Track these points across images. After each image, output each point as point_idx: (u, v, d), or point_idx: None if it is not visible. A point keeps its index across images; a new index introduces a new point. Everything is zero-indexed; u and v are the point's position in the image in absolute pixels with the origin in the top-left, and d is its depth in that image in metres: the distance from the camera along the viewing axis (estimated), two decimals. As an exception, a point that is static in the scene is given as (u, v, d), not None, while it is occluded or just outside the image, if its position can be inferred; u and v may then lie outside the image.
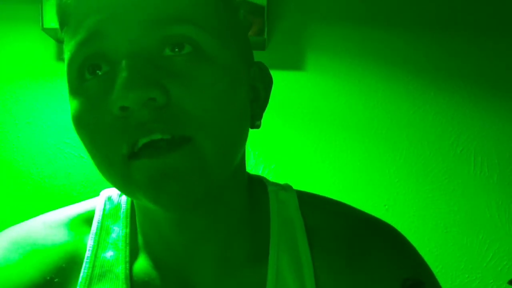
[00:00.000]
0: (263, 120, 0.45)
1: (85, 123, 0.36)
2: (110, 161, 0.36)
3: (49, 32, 1.17)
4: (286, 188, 0.48)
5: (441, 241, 1.26)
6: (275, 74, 1.28)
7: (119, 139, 0.35)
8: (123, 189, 0.38)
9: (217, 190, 0.40)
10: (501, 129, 1.26)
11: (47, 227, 0.46)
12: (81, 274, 0.43)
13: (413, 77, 1.26)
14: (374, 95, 1.26)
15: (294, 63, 1.25)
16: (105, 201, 0.47)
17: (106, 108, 0.35)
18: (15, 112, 1.22)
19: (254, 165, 1.24)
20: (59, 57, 1.23)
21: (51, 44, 1.22)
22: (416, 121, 1.26)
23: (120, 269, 0.43)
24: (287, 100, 1.24)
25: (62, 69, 1.23)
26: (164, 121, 0.34)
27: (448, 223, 1.26)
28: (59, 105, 1.22)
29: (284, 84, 1.24)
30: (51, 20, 1.13)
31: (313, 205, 0.47)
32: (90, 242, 0.44)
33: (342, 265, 0.44)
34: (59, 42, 1.22)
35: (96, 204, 0.47)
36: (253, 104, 0.43)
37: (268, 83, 0.45)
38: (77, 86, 0.37)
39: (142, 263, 0.44)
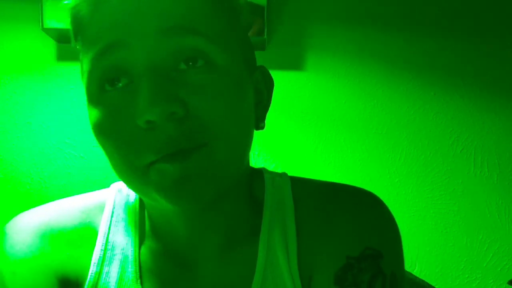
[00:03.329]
0: (263, 120, 0.49)
1: (108, 133, 0.40)
2: (135, 168, 0.40)
3: (49, 32, 1.17)
4: (282, 174, 0.53)
5: (441, 241, 1.26)
6: (275, 74, 1.28)
7: (146, 149, 0.38)
8: (141, 191, 0.42)
9: (228, 188, 0.44)
10: (501, 129, 1.26)
11: (60, 211, 0.50)
12: (93, 258, 0.47)
13: (413, 77, 1.26)
14: (374, 95, 1.26)
15: (294, 63, 1.25)
16: (116, 192, 0.51)
17: (130, 120, 0.38)
18: (15, 112, 1.22)
19: (254, 164, 1.24)
20: (59, 57, 1.23)
21: (51, 44, 1.22)
22: (416, 121, 1.26)
23: (130, 253, 0.48)
24: (287, 100, 1.24)
25: (62, 69, 1.23)
26: (187, 133, 0.38)
27: (448, 223, 1.26)
28: (59, 105, 1.22)
29: (284, 84, 1.24)
30: (51, 20, 1.13)
31: (303, 185, 0.52)
32: (102, 228, 0.49)
33: (317, 232, 0.47)
34: (59, 42, 1.22)
35: (107, 195, 0.52)
36: (257, 107, 0.47)
37: (270, 85, 0.50)
38: (97, 96, 0.40)
39: (150, 247, 0.49)
